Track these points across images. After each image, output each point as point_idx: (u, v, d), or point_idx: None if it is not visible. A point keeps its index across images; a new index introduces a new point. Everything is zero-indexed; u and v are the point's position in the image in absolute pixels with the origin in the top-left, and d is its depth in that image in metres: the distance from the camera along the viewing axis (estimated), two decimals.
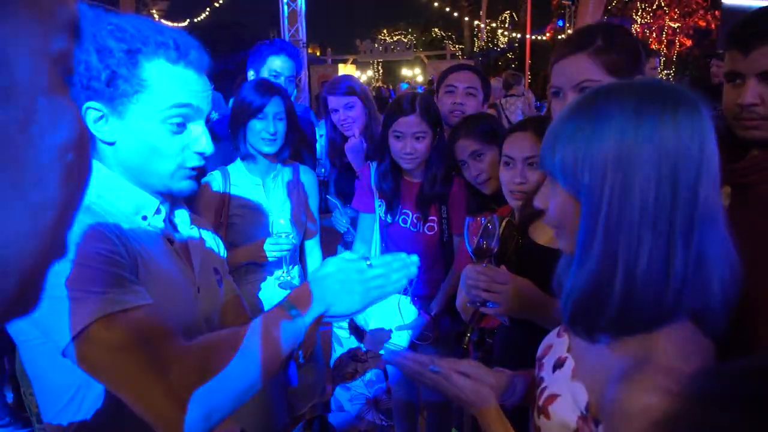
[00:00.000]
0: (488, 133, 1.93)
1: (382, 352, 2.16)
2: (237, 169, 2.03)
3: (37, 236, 0.31)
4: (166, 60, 0.91)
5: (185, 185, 1.00)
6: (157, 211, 1.02)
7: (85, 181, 0.35)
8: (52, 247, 0.33)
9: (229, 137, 2.02)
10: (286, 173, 2.11)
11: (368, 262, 0.97)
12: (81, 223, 0.86)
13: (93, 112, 0.90)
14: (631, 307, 0.76)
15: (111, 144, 0.94)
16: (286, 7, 8.62)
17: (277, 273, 2.04)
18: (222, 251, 1.26)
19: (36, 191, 0.30)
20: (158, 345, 0.83)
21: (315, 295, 0.93)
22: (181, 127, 0.95)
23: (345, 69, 17.91)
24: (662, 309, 0.76)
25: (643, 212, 0.74)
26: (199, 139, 0.98)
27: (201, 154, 0.99)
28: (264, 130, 1.92)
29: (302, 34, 8.71)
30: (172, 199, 1.08)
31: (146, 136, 0.93)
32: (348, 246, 2.56)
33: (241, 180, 2.02)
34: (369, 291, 0.95)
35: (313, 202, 2.21)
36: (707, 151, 0.75)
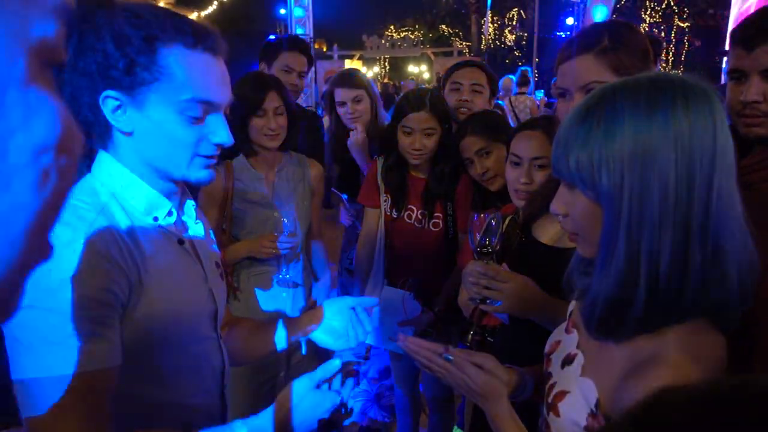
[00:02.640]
0: (494, 131, 1.92)
1: (388, 345, 2.16)
2: (240, 163, 2.02)
3: (8, 242, 0.28)
4: (184, 45, 0.89)
5: (203, 174, 0.99)
6: (169, 213, 1.01)
7: (68, 184, 0.32)
8: (29, 253, 0.30)
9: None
10: (290, 166, 2.10)
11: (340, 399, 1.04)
12: (81, 244, 0.84)
13: (111, 101, 0.89)
14: (656, 306, 0.76)
15: (129, 134, 0.93)
16: (293, 2, 8.61)
17: (277, 270, 2.04)
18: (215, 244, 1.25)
19: (5, 194, 0.27)
20: (93, 418, 0.83)
21: None
22: (199, 119, 0.94)
23: (351, 65, 17.88)
24: (682, 306, 0.75)
25: (663, 209, 0.73)
26: (218, 130, 0.96)
27: (219, 144, 0.98)
28: (265, 127, 1.92)
29: (309, 29, 8.69)
30: (182, 191, 1.07)
31: (164, 126, 0.91)
32: (352, 240, 2.56)
33: (245, 174, 2.01)
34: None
35: (320, 196, 2.20)
36: (721, 139, 0.74)
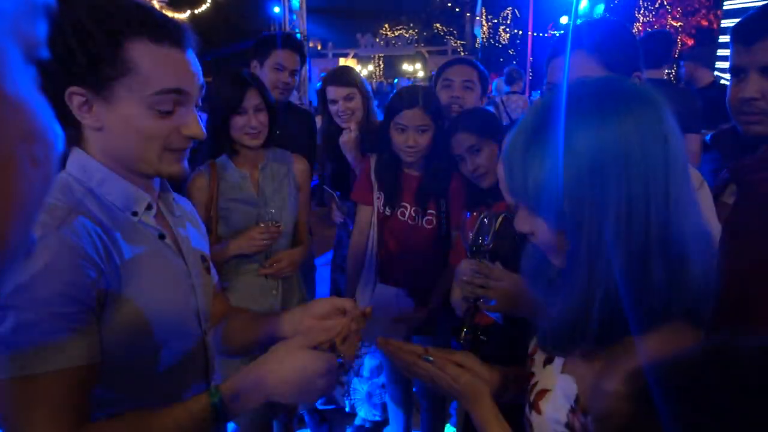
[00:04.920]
0: (486, 128, 1.92)
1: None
2: (224, 162, 2.01)
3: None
4: (150, 40, 0.87)
5: (175, 169, 0.97)
6: (149, 207, 0.99)
7: (48, 178, 0.32)
8: (9, 248, 0.30)
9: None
10: (274, 163, 2.08)
11: (341, 361, 0.97)
12: (53, 240, 0.82)
13: (77, 97, 0.87)
14: (612, 325, 0.75)
15: (98, 130, 0.91)
16: (287, 0, 8.58)
17: (264, 263, 2.02)
18: (206, 236, 1.23)
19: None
20: (65, 415, 0.82)
21: (257, 393, 0.92)
22: (170, 111, 0.91)
23: (346, 63, 17.87)
24: (650, 316, 0.74)
25: (620, 226, 0.71)
26: (189, 123, 0.94)
27: (191, 137, 0.96)
28: (246, 126, 1.90)
29: (303, 28, 8.67)
30: (161, 185, 1.05)
31: (133, 121, 0.89)
32: (345, 238, 2.55)
33: (229, 173, 1.99)
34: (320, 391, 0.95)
35: (306, 190, 2.19)
36: (672, 146, 0.72)
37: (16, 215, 0.29)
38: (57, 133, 0.32)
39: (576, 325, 0.77)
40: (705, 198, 1.19)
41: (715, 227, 1.13)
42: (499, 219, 1.54)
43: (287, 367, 0.92)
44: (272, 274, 2.01)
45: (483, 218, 1.32)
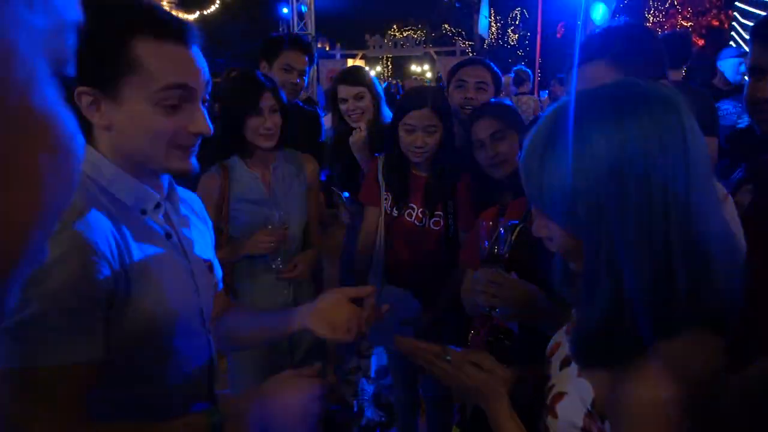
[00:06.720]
0: (509, 116, 1.89)
1: (385, 344, 2.14)
2: (235, 163, 2.01)
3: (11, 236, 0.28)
4: (156, 37, 0.88)
5: (183, 165, 0.97)
6: (157, 206, 0.99)
7: (70, 189, 0.32)
8: (26, 257, 0.29)
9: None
10: (285, 164, 2.09)
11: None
12: (65, 235, 0.82)
13: (85, 97, 0.88)
14: (641, 334, 0.74)
15: (107, 129, 0.92)
16: (295, 1, 8.60)
17: (274, 263, 2.03)
18: (212, 235, 1.23)
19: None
20: (65, 410, 0.81)
21: (255, 419, 0.92)
22: (177, 108, 0.92)
23: (354, 64, 17.89)
24: (672, 324, 0.73)
25: (641, 235, 0.70)
26: (196, 119, 0.94)
27: (198, 134, 0.96)
28: (261, 126, 1.91)
29: (311, 29, 8.68)
30: (170, 185, 1.06)
31: (140, 119, 0.90)
32: (353, 238, 2.55)
33: (240, 174, 2.00)
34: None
35: (316, 191, 2.19)
36: (692, 148, 0.71)
37: (36, 225, 0.29)
38: (80, 142, 0.32)
39: (608, 333, 0.76)
40: (730, 211, 1.15)
41: (741, 242, 1.09)
42: (516, 229, 1.53)
43: (285, 396, 0.96)
44: (291, 277, 2.02)
45: (500, 228, 1.31)
